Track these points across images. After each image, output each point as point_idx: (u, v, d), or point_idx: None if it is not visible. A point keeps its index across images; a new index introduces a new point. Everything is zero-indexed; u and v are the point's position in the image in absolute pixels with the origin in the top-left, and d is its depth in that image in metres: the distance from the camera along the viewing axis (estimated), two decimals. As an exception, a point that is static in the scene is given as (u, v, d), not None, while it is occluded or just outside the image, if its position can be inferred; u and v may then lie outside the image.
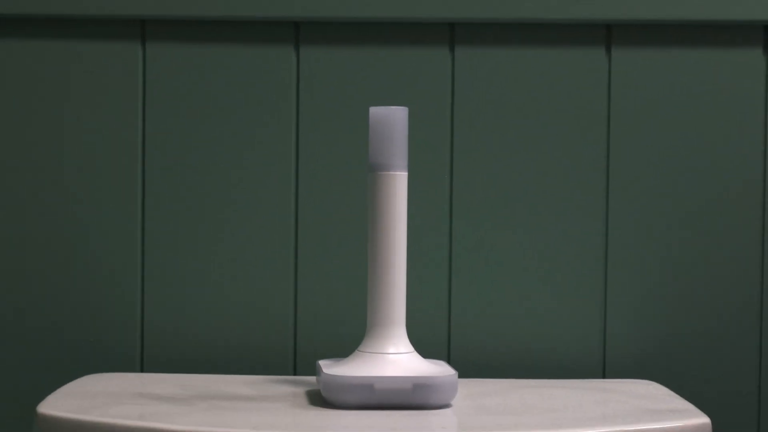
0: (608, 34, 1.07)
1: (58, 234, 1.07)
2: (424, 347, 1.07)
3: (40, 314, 1.07)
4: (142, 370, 1.08)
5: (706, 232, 1.07)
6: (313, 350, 1.08)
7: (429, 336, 1.08)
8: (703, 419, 0.86)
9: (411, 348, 0.91)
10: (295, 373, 1.08)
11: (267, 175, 1.07)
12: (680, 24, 1.06)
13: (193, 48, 1.07)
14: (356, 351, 0.91)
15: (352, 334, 1.07)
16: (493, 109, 1.07)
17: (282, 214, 1.07)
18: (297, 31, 1.07)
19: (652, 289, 1.07)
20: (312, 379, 1.02)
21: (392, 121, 0.90)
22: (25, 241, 1.07)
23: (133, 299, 1.07)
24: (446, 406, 0.89)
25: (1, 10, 1.05)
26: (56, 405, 0.87)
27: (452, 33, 1.07)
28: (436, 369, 0.90)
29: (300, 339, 1.08)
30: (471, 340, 1.08)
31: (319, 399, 0.92)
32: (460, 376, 1.07)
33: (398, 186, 0.90)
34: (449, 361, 1.08)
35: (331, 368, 0.90)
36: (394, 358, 0.89)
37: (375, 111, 0.91)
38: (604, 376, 1.08)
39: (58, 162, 1.07)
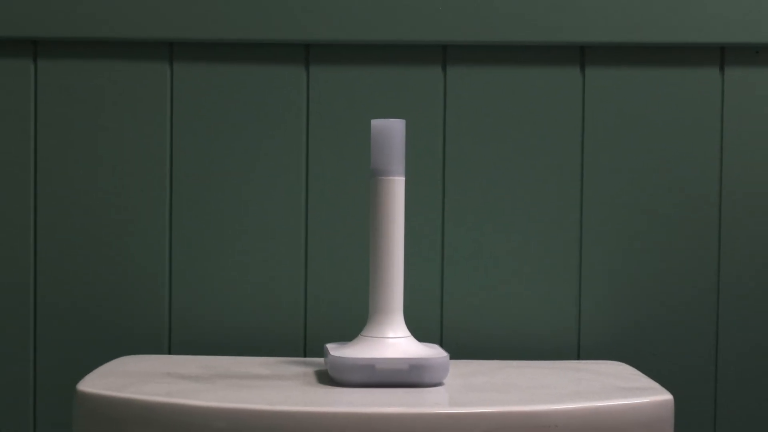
0: (582, 55, 1.07)
1: (98, 235, 1.07)
2: (419, 332, 1.08)
3: (80, 305, 1.07)
4: (169, 353, 1.08)
5: (668, 231, 1.07)
6: (321, 335, 1.08)
7: (424, 322, 1.08)
8: (666, 396, 0.86)
9: (408, 333, 0.91)
10: (305, 355, 1.08)
11: (281, 180, 1.07)
12: (646, 46, 1.06)
13: (215, 68, 1.07)
14: (359, 335, 0.92)
15: (355, 321, 1.07)
16: (480, 122, 1.07)
17: (294, 215, 1.07)
18: (307, 53, 1.07)
19: (621, 282, 1.07)
20: (320, 360, 1.02)
21: (391, 132, 0.90)
22: (69, 241, 1.07)
23: (161, 291, 1.08)
24: (439, 384, 0.90)
25: (45, 34, 1.05)
26: (94, 383, 0.87)
27: (444, 54, 1.07)
28: (430, 351, 0.90)
29: (309, 325, 1.08)
30: (461, 326, 1.08)
31: (326, 378, 0.92)
32: (451, 358, 1.07)
33: (396, 189, 0.91)
34: (441, 345, 1.08)
35: (337, 351, 0.90)
36: (393, 341, 0.90)
37: (376, 123, 0.91)
38: (578, 358, 1.08)
39: (96, 168, 1.07)
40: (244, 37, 1.05)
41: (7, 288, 1.07)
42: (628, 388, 0.89)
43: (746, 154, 1.07)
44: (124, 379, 0.90)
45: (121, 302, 1.07)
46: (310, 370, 0.96)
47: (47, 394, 1.08)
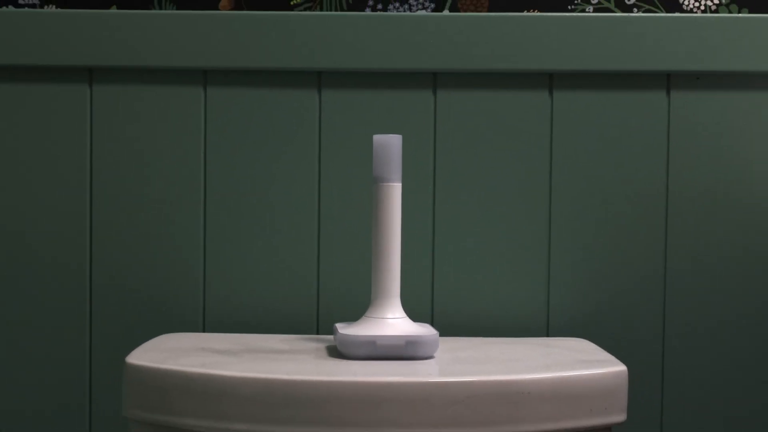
0: (551, 81, 1.07)
1: (144, 234, 1.07)
2: (413, 313, 1.08)
3: (129, 291, 1.07)
4: (204, 331, 1.08)
5: (622, 229, 1.07)
6: (331, 316, 1.08)
7: (417, 305, 1.08)
8: (621, 367, 0.86)
9: (404, 314, 0.91)
10: (317, 333, 1.08)
11: (298, 186, 1.07)
12: (605, 73, 1.06)
13: (242, 91, 1.07)
14: (363, 316, 0.91)
15: (360, 304, 1.07)
16: (465, 137, 1.07)
17: (308, 216, 1.07)
18: (319, 79, 1.07)
19: (582, 272, 1.07)
20: (330, 337, 1.02)
21: (390, 145, 0.90)
22: (120, 239, 1.07)
23: (197, 280, 1.08)
24: (430, 357, 0.90)
25: (99, 63, 1.05)
26: (140, 357, 0.88)
27: (435, 80, 1.07)
28: (423, 330, 0.90)
29: (321, 308, 1.08)
30: (449, 308, 1.08)
31: (335, 352, 0.92)
32: (440, 335, 1.07)
33: (394, 194, 0.91)
34: (432, 324, 1.08)
35: (345, 329, 0.90)
36: (392, 321, 0.90)
37: (377, 138, 0.91)
38: (547, 335, 1.08)
39: (143, 176, 1.07)
40: (266, 65, 1.05)
41: (67, 279, 1.07)
42: (589, 361, 0.89)
43: (688, 162, 1.07)
44: (166, 353, 0.90)
45: (164, 289, 1.07)
46: (322, 346, 0.96)
47: (101, 366, 1.08)
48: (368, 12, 1.06)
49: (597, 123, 1.07)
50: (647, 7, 1.07)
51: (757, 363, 1.07)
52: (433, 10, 1.07)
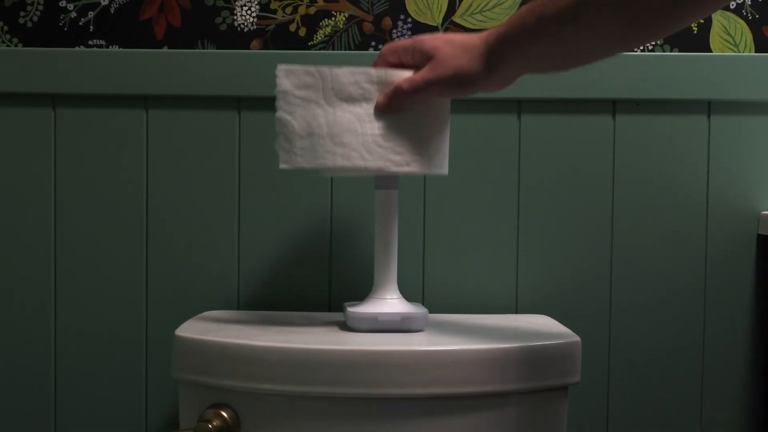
0: (519, 106, 1.07)
1: (191, 233, 1.07)
2: (408, 295, 1.08)
3: (178, 277, 1.07)
4: (238, 308, 1.08)
5: (577, 224, 1.07)
6: (341, 296, 1.08)
7: (411, 288, 1.08)
8: (576, 338, 0.86)
9: (400, 295, 0.91)
10: (330, 311, 1.08)
11: (314, 192, 1.07)
12: (563, 100, 1.06)
13: (269, 114, 1.07)
14: (367, 297, 0.91)
15: (365, 287, 1.07)
16: (450, 152, 1.07)
17: (323, 217, 1.07)
18: (331, 105, 1.07)
19: (545, 261, 1.07)
20: (340, 314, 1.02)
21: (389, 159, 0.90)
22: (171, 238, 1.07)
23: (233, 269, 1.07)
24: (421, 330, 0.90)
25: (153, 92, 1.05)
26: (186, 329, 0.88)
27: (425, 106, 1.07)
28: (415, 308, 0.90)
29: (333, 290, 1.08)
30: (437, 291, 1.08)
31: (344, 326, 0.92)
32: (429, 312, 1.07)
33: (393, 198, 0.91)
34: (423, 303, 1.08)
35: (353, 307, 0.90)
36: (390, 301, 0.90)
37: (378, 153, 0.91)
38: (516, 312, 1.08)
39: (188, 182, 1.07)
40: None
41: (129, 268, 1.07)
42: (550, 333, 0.89)
43: (630, 171, 1.07)
44: (207, 326, 0.90)
45: (207, 276, 1.07)
46: (334, 321, 0.96)
47: (155, 337, 1.07)
48: (371, 51, 1.06)
49: (556, 140, 1.07)
50: (597, 46, 1.07)
51: (684, 330, 1.07)
52: (424, 50, 1.07)
